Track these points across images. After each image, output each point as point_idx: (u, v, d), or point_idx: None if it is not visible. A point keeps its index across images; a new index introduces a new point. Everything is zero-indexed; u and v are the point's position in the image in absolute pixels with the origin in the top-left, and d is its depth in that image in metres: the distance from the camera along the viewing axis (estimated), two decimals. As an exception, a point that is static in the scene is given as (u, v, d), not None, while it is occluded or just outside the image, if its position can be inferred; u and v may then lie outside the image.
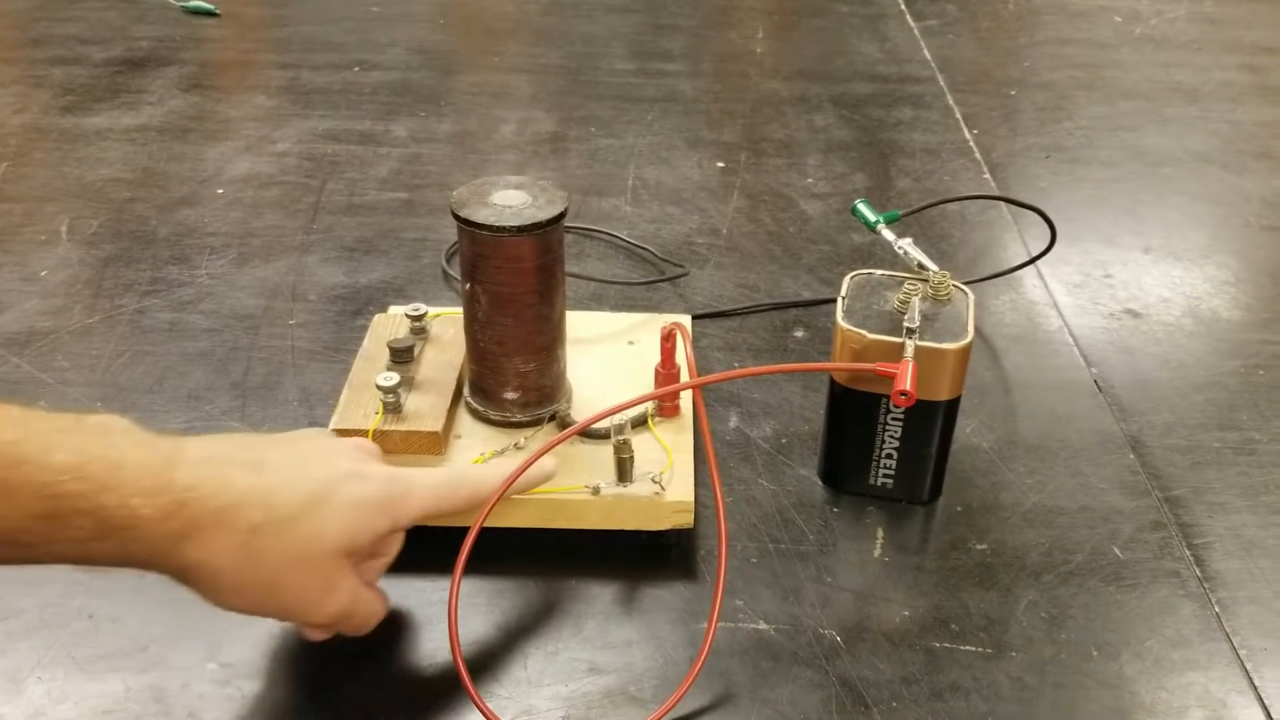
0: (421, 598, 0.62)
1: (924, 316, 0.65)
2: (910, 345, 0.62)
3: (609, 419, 0.63)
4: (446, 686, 0.57)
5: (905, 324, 0.63)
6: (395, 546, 0.58)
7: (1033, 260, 0.92)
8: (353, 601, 0.54)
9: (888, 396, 0.65)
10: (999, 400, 0.80)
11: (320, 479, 0.52)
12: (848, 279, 0.69)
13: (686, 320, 0.78)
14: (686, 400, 0.70)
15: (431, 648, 0.60)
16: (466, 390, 0.70)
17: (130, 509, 0.46)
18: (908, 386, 0.59)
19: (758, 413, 0.77)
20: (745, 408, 0.78)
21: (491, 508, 0.58)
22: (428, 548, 0.62)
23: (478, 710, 0.55)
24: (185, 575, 0.49)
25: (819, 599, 0.63)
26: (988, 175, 1.13)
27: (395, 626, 0.61)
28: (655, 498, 0.63)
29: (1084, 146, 1.20)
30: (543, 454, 0.60)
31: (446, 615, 0.56)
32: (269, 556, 0.50)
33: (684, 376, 0.69)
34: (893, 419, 0.66)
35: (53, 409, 0.48)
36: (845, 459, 0.69)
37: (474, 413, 0.69)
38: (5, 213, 1.01)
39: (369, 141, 1.17)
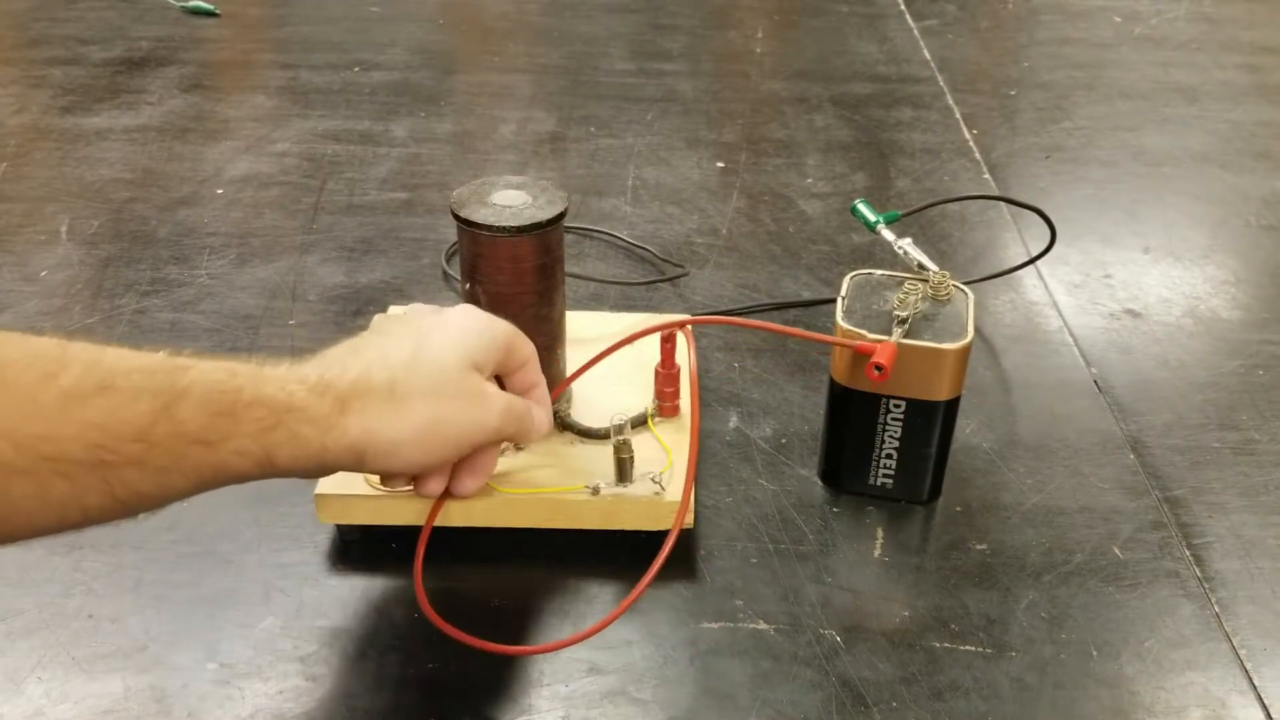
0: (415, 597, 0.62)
1: (923, 316, 0.65)
2: (898, 331, 0.62)
3: (610, 419, 0.63)
4: (447, 687, 0.57)
5: (897, 313, 0.64)
6: (526, 380, 0.61)
7: (1032, 260, 0.92)
8: (508, 399, 0.58)
9: (888, 397, 0.65)
10: (999, 400, 0.80)
11: (416, 332, 0.57)
12: (847, 279, 0.69)
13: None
14: (687, 400, 0.70)
15: (431, 647, 0.60)
16: (466, 390, 0.70)
17: (288, 393, 0.49)
18: (883, 360, 0.60)
19: (757, 412, 0.77)
20: (745, 408, 0.78)
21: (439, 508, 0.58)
22: (429, 549, 0.62)
23: (476, 712, 0.55)
24: (360, 448, 0.52)
25: (819, 599, 0.63)
26: (987, 175, 1.13)
27: (396, 626, 0.61)
28: (655, 498, 0.63)
29: (1083, 146, 1.20)
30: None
31: (438, 612, 0.56)
32: (415, 401, 0.53)
33: (684, 378, 0.69)
34: (893, 419, 0.66)
35: None
36: (845, 459, 0.69)
37: (474, 413, 0.69)
38: (5, 213, 1.01)
39: (369, 141, 1.17)
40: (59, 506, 0.43)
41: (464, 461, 0.60)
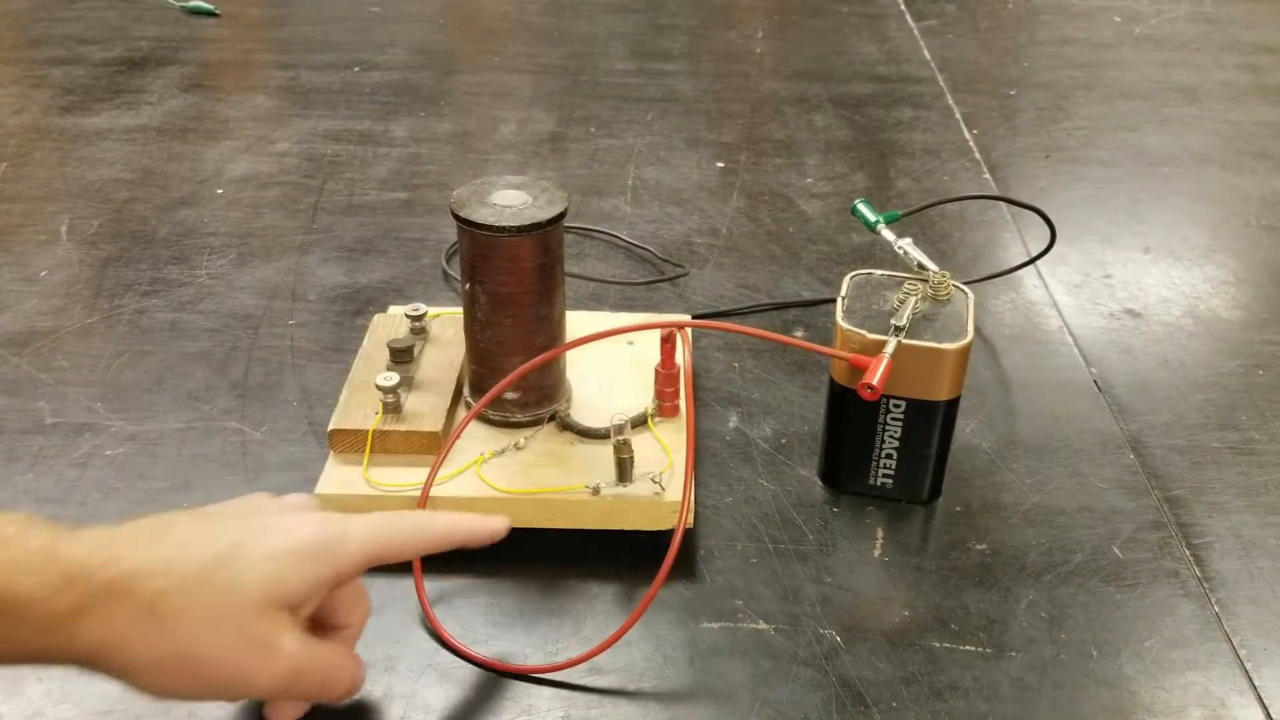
0: (416, 597, 0.62)
1: (923, 316, 0.65)
2: (892, 342, 0.62)
3: (610, 419, 0.63)
4: (448, 687, 0.57)
5: (893, 321, 0.64)
6: (357, 612, 0.53)
7: (1032, 260, 0.92)
8: (303, 658, 0.48)
9: (888, 397, 0.65)
10: (999, 400, 0.80)
11: (232, 536, 0.48)
12: (847, 279, 0.69)
13: (687, 322, 0.78)
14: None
15: (432, 647, 0.60)
16: (466, 390, 0.70)
17: (12, 586, 0.42)
18: (874, 381, 0.60)
19: (758, 413, 0.77)
20: (745, 408, 0.78)
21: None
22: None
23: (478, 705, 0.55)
24: (93, 662, 0.44)
25: (819, 599, 0.63)
26: (987, 175, 1.13)
27: (396, 626, 0.61)
28: (655, 498, 0.63)
29: (1083, 146, 1.20)
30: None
31: (438, 612, 0.56)
32: (179, 624, 0.44)
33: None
34: (892, 419, 0.66)
35: None
36: (845, 459, 0.69)
37: (474, 413, 0.69)
38: (5, 213, 1.01)
39: (369, 141, 1.17)
40: None
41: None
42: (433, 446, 0.65)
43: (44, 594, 0.42)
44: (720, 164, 1.14)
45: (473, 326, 0.67)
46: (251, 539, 0.48)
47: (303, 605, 0.48)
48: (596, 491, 0.63)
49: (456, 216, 0.63)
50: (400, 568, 0.62)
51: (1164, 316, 0.90)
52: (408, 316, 0.73)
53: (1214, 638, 0.61)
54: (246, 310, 0.88)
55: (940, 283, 0.67)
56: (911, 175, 1.13)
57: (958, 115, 1.26)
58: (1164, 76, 1.38)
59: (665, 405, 0.69)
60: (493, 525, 0.56)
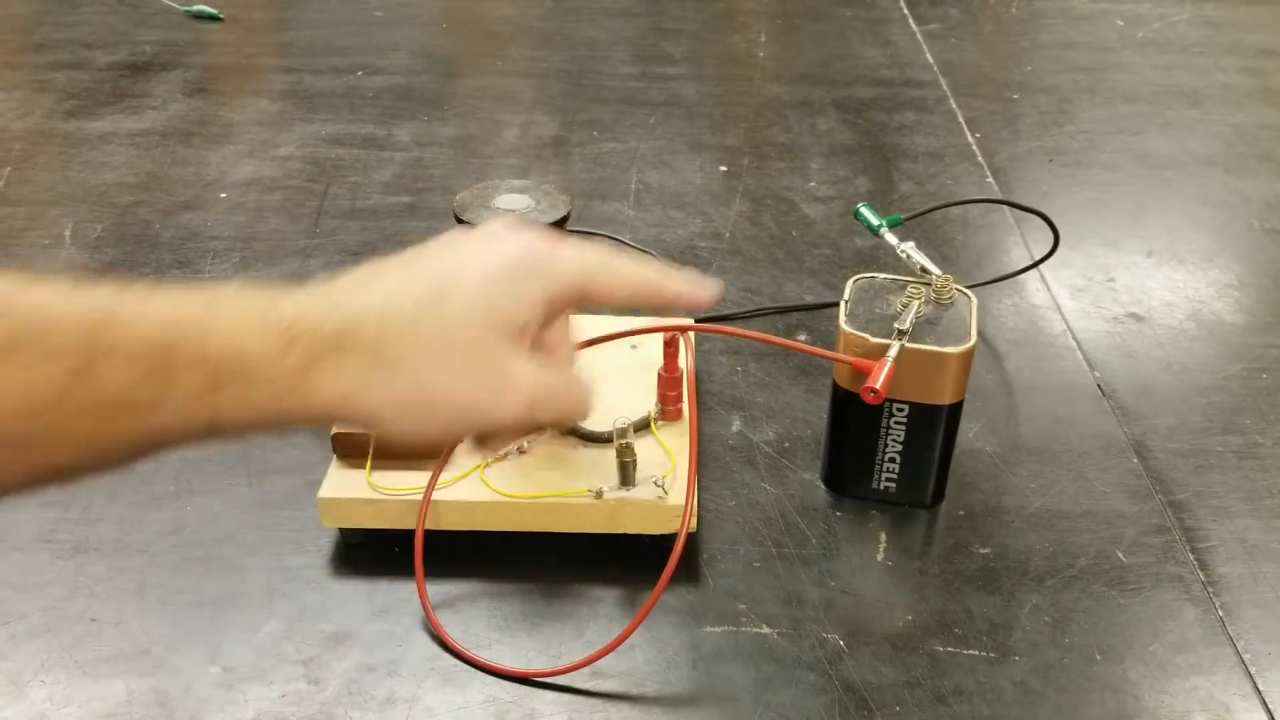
0: (418, 601, 0.62)
1: (926, 320, 0.65)
2: (895, 346, 0.62)
3: (612, 423, 0.63)
4: (451, 690, 0.57)
5: (896, 325, 0.63)
6: (562, 331, 0.50)
7: (1035, 264, 0.92)
8: (539, 383, 0.45)
9: (891, 400, 0.65)
10: (1002, 404, 0.80)
11: (439, 273, 0.45)
12: (850, 283, 0.69)
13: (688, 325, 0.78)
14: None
15: (435, 651, 0.60)
16: (469, 394, 0.70)
17: (238, 347, 0.40)
18: (877, 385, 0.60)
19: (760, 416, 0.77)
20: (748, 411, 0.78)
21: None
22: (432, 553, 0.62)
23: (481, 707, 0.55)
24: (326, 412, 0.43)
25: (822, 603, 0.63)
26: (990, 179, 1.13)
27: (399, 630, 0.61)
28: (658, 501, 0.63)
29: (1086, 150, 1.20)
30: None
31: (441, 616, 0.56)
32: (409, 364, 0.43)
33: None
34: (896, 423, 0.66)
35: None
36: (848, 463, 0.69)
37: (477, 416, 0.69)
38: (9, 217, 1.02)
39: (372, 145, 1.17)
40: None
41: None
42: (435, 450, 0.65)
43: (273, 354, 0.41)
44: (723, 168, 1.14)
45: (476, 330, 0.67)
46: (459, 272, 0.45)
47: (524, 329, 0.45)
48: (599, 495, 0.63)
49: (460, 220, 0.63)
50: (402, 571, 0.63)
51: (1167, 320, 0.90)
52: (411, 320, 0.73)
53: (1218, 642, 0.61)
54: (250, 314, 0.88)
55: (943, 286, 0.67)
56: (914, 179, 1.13)
57: (960, 119, 1.26)
58: (1167, 80, 1.38)
59: (668, 409, 0.69)
60: (703, 293, 0.50)
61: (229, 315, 0.41)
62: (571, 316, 0.67)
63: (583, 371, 0.49)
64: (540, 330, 0.47)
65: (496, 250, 0.46)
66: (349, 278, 0.45)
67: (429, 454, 0.47)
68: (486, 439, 0.49)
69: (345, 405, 0.42)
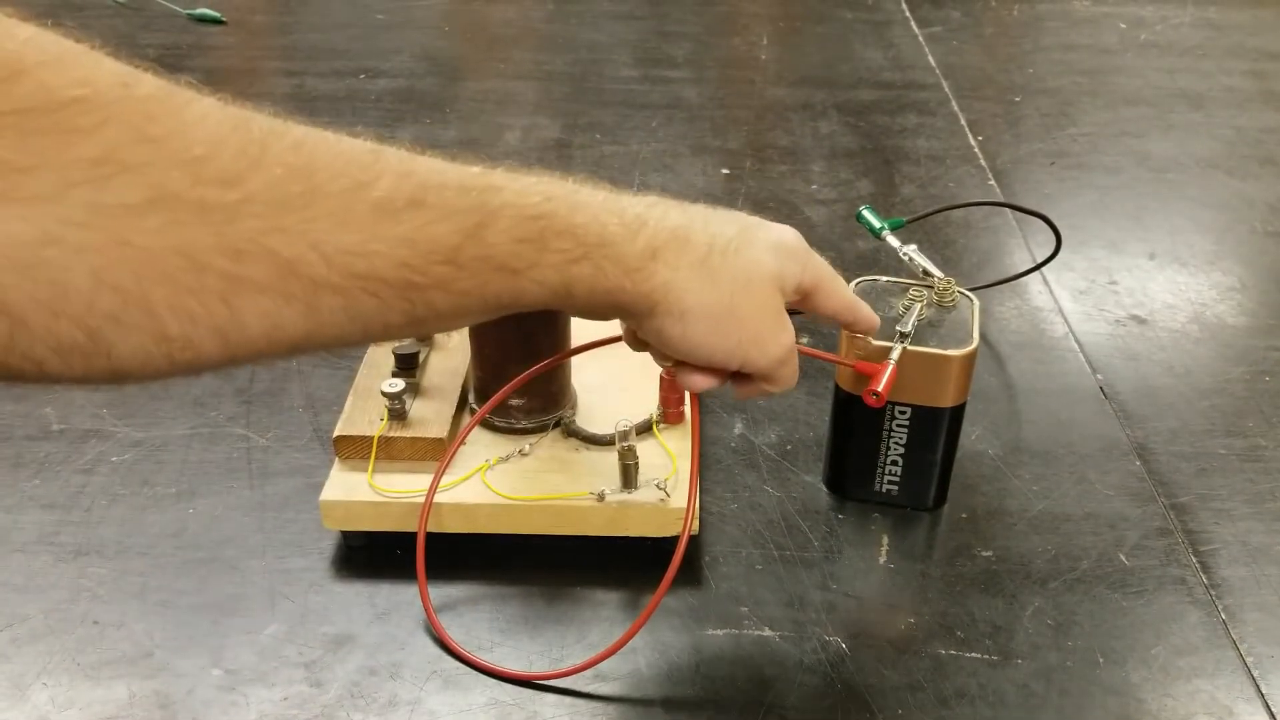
0: (421, 604, 0.62)
1: (929, 323, 0.65)
2: (897, 349, 0.62)
3: (615, 425, 0.63)
4: (453, 693, 0.57)
5: (898, 328, 0.63)
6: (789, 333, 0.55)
7: (1038, 266, 0.92)
8: (794, 343, 0.52)
9: (893, 403, 0.65)
10: (1004, 407, 0.80)
11: (742, 220, 0.52)
12: (853, 285, 0.69)
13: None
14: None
15: (437, 654, 0.60)
16: (471, 396, 0.70)
17: (601, 225, 0.46)
18: (880, 388, 0.60)
19: (763, 419, 0.77)
20: (750, 414, 0.78)
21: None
22: (434, 555, 0.62)
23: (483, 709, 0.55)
24: (655, 299, 0.48)
25: (824, 605, 0.63)
26: (992, 182, 1.13)
27: (401, 632, 0.61)
28: (660, 504, 0.63)
29: (1089, 152, 1.20)
30: None
31: (443, 619, 0.56)
32: (724, 276, 0.49)
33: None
34: (898, 425, 0.66)
35: None
36: (850, 465, 0.69)
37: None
38: (12, 220, 1.02)
39: (374, 148, 1.17)
40: (363, 323, 0.40)
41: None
42: (438, 453, 0.65)
43: (627, 234, 0.46)
44: (725, 171, 1.14)
45: (478, 333, 0.67)
46: (756, 229, 0.52)
47: (787, 294, 0.52)
48: (601, 498, 0.63)
49: (462, 223, 0.63)
50: (404, 574, 0.63)
51: (1170, 323, 0.90)
52: (413, 323, 0.73)
53: (1221, 645, 0.61)
54: (252, 317, 0.88)
55: (945, 289, 0.67)
56: (916, 181, 1.13)
57: (963, 121, 1.26)
58: (1169, 83, 1.38)
59: (670, 412, 0.69)
60: (874, 324, 0.59)
61: (590, 198, 0.46)
62: (573, 319, 0.67)
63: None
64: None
65: (778, 228, 0.53)
66: (663, 200, 0.50)
67: (701, 367, 0.52)
68: (743, 379, 0.54)
69: (669, 294, 0.48)
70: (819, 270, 0.54)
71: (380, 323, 0.41)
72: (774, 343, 0.51)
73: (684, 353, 0.50)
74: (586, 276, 0.45)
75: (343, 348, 0.42)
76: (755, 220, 0.53)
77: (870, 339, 0.63)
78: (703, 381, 0.53)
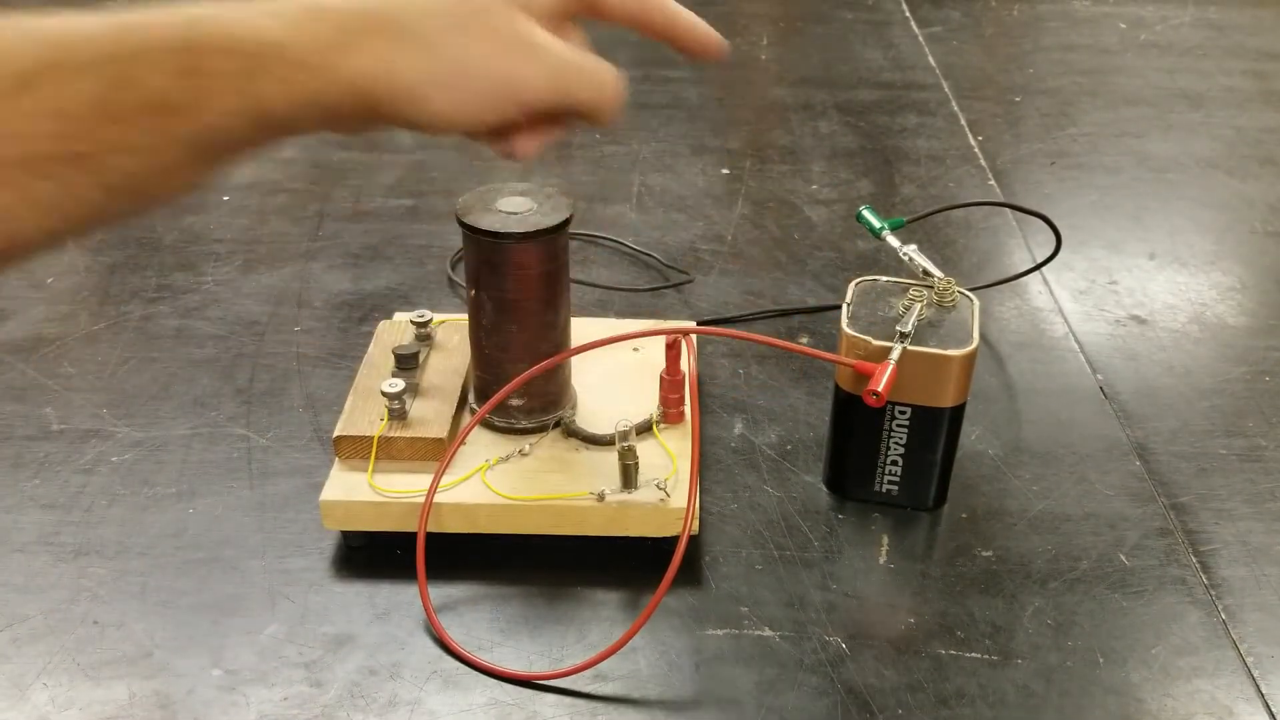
0: (421, 604, 0.62)
1: (929, 323, 0.65)
2: (897, 348, 0.62)
3: (615, 425, 0.63)
4: (453, 693, 0.57)
5: (898, 328, 0.63)
6: (579, 40, 0.50)
7: (1038, 266, 0.92)
8: (565, 51, 0.47)
9: (893, 403, 0.65)
10: (1004, 407, 0.80)
11: None
12: (853, 285, 0.69)
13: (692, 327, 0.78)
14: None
15: (437, 654, 0.60)
16: (471, 396, 0.70)
17: (262, 30, 0.41)
18: (880, 388, 0.60)
19: (762, 419, 0.77)
20: (750, 414, 0.78)
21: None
22: (434, 556, 0.62)
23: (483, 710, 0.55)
24: (367, 90, 0.43)
25: (824, 605, 0.63)
26: (993, 182, 1.13)
27: (401, 632, 0.61)
28: (660, 504, 0.63)
29: (1089, 153, 1.20)
30: None
31: (443, 619, 0.56)
32: (441, 40, 0.44)
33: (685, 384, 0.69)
34: (898, 425, 0.66)
35: None
36: (850, 465, 0.69)
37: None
38: (12, 220, 1.02)
39: (374, 148, 1.17)
40: (55, 209, 0.38)
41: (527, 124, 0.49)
42: (438, 452, 0.65)
43: (296, 32, 0.41)
44: (725, 170, 1.14)
45: (478, 333, 0.67)
46: None
47: (540, 11, 0.47)
48: (601, 498, 0.63)
49: (462, 223, 0.63)
50: (405, 574, 0.63)
51: (1170, 323, 0.90)
52: (413, 323, 0.74)
53: (1221, 645, 0.61)
54: (252, 317, 0.88)
55: (945, 289, 0.67)
56: (916, 181, 1.13)
57: (963, 121, 1.26)
58: (1169, 83, 1.38)
59: (670, 412, 0.69)
60: (713, 40, 0.53)
61: (244, 9, 0.41)
62: (573, 319, 0.67)
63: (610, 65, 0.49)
64: (560, 27, 0.48)
65: None
66: None
67: (478, 134, 0.48)
68: (525, 124, 0.48)
69: (384, 83, 0.43)
70: None
71: (74, 204, 0.38)
72: (529, 77, 0.46)
73: (446, 127, 0.45)
74: (272, 94, 0.41)
75: (55, 243, 0.39)
76: None
77: (870, 339, 0.63)
78: (522, 146, 0.49)
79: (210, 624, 0.61)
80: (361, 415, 0.67)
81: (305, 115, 0.42)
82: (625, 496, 0.63)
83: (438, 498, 0.63)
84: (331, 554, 0.66)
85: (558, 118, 0.49)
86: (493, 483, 0.64)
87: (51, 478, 0.71)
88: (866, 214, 0.80)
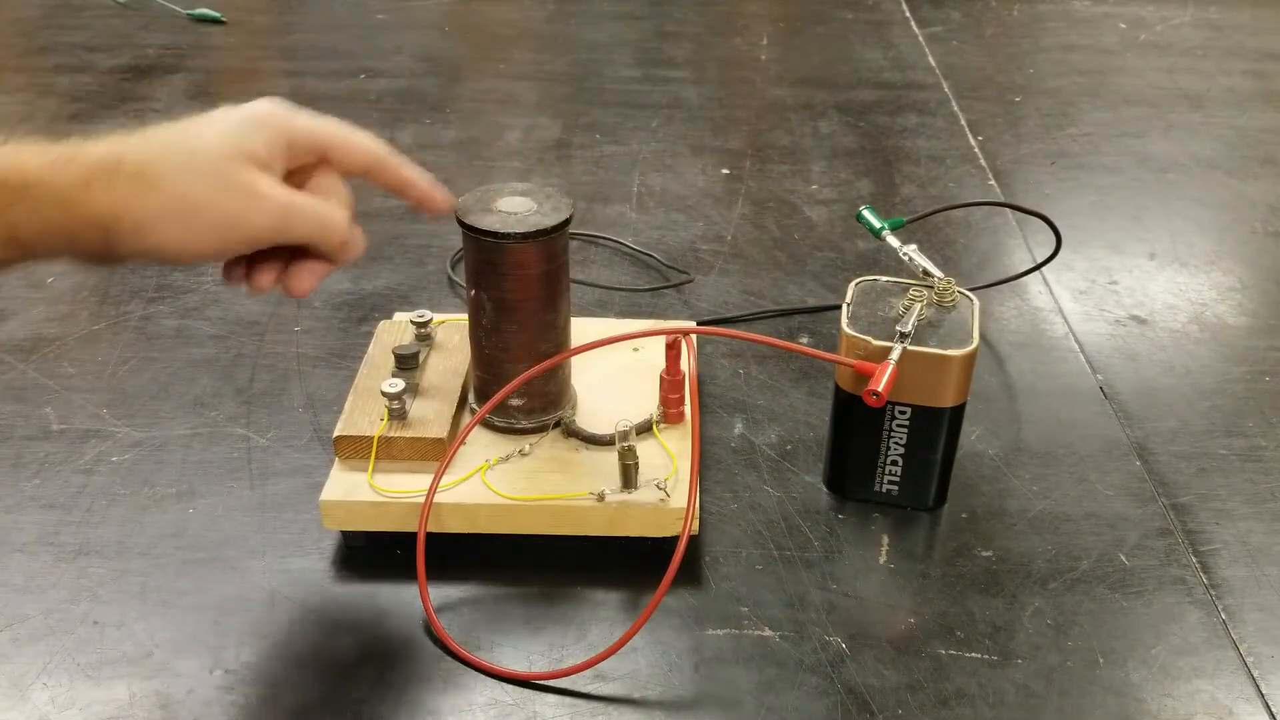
0: (421, 604, 0.62)
1: (929, 323, 0.65)
2: (897, 348, 0.62)
3: (614, 426, 0.63)
4: (453, 693, 0.57)
5: (898, 328, 0.63)
6: (330, 185, 0.57)
7: (1038, 267, 0.92)
8: (288, 197, 0.54)
9: (893, 403, 0.65)
10: (1004, 407, 0.80)
11: (195, 121, 0.54)
12: (853, 285, 0.69)
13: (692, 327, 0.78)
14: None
15: (437, 654, 0.60)
16: (471, 396, 0.70)
17: (20, 166, 0.48)
18: (880, 388, 0.60)
19: (763, 419, 0.77)
20: (750, 414, 0.78)
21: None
22: (434, 556, 0.62)
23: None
24: (105, 225, 0.50)
25: (824, 605, 0.63)
26: (993, 182, 1.13)
27: (401, 632, 0.61)
28: (660, 504, 0.63)
29: (1089, 153, 1.20)
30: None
31: (443, 619, 0.56)
32: (169, 179, 0.51)
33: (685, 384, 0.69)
34: (898, 425, 0.66)
35: None
36: (850, 465, 0.69)
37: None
38: (12, 220, 1.02)
39: (374, 148, 1.17)
40: None
41: (293, 262, 0.57)
42: (438, 452, 0.65)
43: (51, 173, 0.49)
44: (725, 170, 1.14)
45: (478, 333, 0.67)
46: (210, 119, 0.55)
47: (267, 163, 0.54)
48: (601, 498, 0.63)
49: (462, 223, 0.63)
50: (405, 574, 0.63)
51: (1170, 323, 0.90)
52: (413, 323, 0.74)
53: (1221, 645, 0.61)
54: (252, 317, 0.88)
55: (945, 289, 0.67)
56: (916, 182, 1.13)
57: (963, 122, 1.26)
58: (1169, 83, 1.38)
59: (670, 412, 0.69)
60: (439, 195, 0.61)
61: (16, 145, 0.49)
62: (573, 320, 0.67)
63: (343, 206, 0.57)
64: (294, 171, 0.56)
65: (243, 108, 0.56)
66: (124, 131, 0.53)
67: (199, 261, 0.55)
68: (258, 258, 0.56)
69: (120, 216, 0.50)
70: (317, 129, 0.57)
71: None
72: (250, 217, 0.53)
73: (172, 258, 0.53)
74: (25, 220, 0.48)
75: None
76: (218, 112, 0.55)
77: (870, 339, 0.63)
78: (259, 280, 0.57)
79: (210, 624, 0.61)
80: (361, 415, 0.67)
81: (52, 243, 0.50)
82: (625, 496, 0.63)
83: (438, 498, 0.63)
84: (331, 554, 0.66)
85: (299, 254, 0.57)
86: (493, 483, 0.64)
87: (51, 478, 0.71)
88: (866, 214, 0.80)
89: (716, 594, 0.63)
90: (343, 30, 1.52)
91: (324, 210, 0.55)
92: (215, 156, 0.52)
